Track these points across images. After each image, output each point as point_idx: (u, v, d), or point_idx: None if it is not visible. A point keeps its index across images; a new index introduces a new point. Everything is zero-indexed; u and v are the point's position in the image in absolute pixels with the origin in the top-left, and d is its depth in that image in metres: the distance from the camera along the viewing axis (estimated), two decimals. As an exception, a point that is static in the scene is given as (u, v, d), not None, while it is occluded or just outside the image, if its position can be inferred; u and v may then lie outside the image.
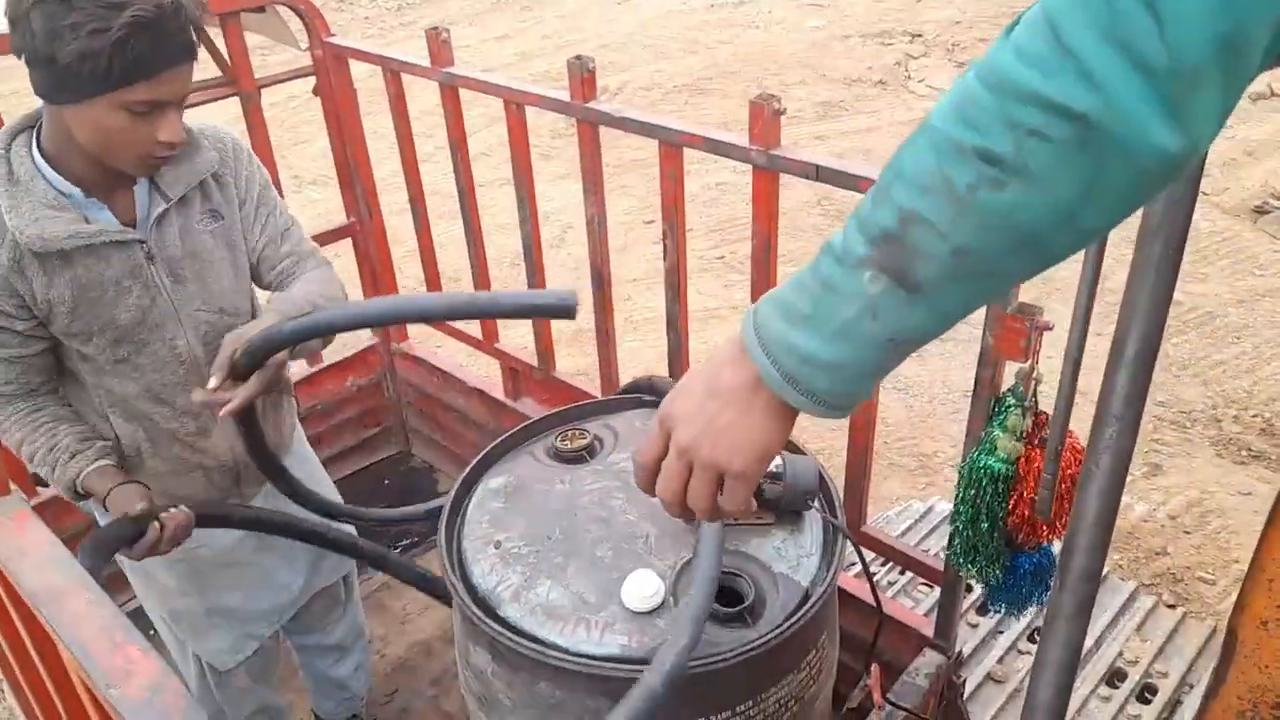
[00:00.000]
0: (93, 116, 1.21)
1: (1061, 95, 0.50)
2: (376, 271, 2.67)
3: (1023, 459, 1.39)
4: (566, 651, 1.18)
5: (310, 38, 2.33)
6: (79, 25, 1.13)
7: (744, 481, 0.70)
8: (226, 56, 2.21)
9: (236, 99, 2.26)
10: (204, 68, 2.53)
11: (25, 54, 1.18)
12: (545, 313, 1.35)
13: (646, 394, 1.64)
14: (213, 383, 1.28)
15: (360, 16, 9.10)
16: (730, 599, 1.23)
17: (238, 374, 1.29)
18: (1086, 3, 0.49)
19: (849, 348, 0.61)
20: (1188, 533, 2.94)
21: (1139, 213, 0.62)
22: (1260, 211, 4.61)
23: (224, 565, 1.69)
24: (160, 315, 1.42)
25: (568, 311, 1.23)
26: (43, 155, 1.30)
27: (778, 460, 1.34)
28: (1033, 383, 1.38)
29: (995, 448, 1.41)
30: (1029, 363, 1.37)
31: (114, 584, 2.34)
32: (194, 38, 1.24)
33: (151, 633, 1.92)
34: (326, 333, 1.31)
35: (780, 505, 1.35)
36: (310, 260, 1.56)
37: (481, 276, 2.38)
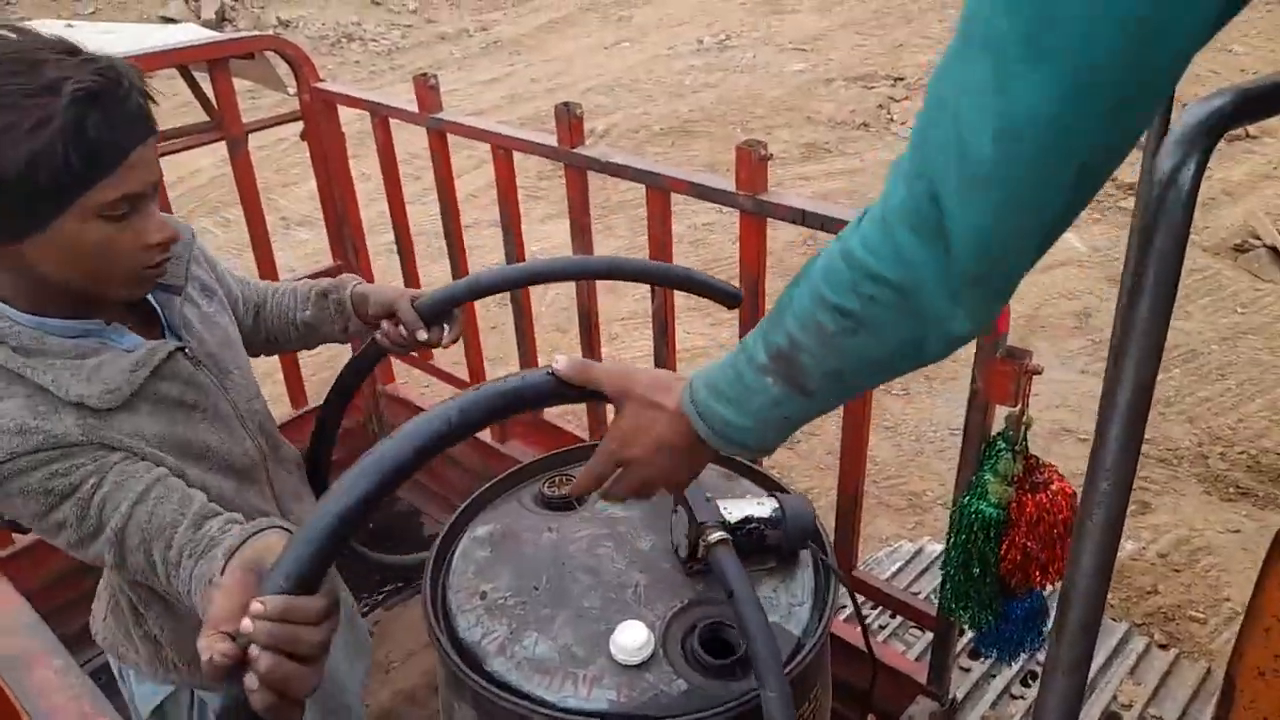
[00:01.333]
0: (63, 241, 0.97)
1: (886, 270, 0.67)
2: (363, 314, 2.66)
3: (1014, 504, 1.38)
4: (554, 707, 1.15)
5: (299, 83, 2.34)
6: (14, 125, 0.89)
7: (678, 487, 1.09)
8: (214, 101, 2.22)
9: (224, 144, 2.27)
10: (191, 112, 2.55)
11: None
12: (711, 292, 1.48)
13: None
14: (422, 334, 1.33)
15: (350, 60, 9.19)
16: (720, 650, 1.21)
17: (427, 320, 1.34)
18: (910, 210, 0.65)
19: (760, 423, 0.84)
20: (1177, 571, 2.93)
21: (1122, 259, 0.68)
22: (1240, 250, 4.67)
23: None
24: (225, 423, 1.22)
25: (732, 298, 1.47)
26: (19, 310, 1.03)
27: (774, 504, 1.33)
28: (1022, 426, 1.38)
29: (986, 492, 1.40)
30: (1018, 406, 1.37)
31: (73, 645, 2.29)
32: (149, 108, 1.02)
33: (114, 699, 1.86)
34: (487, 292, 1.39)
35: (782, 549, 1.33)
36: (265, 284, 1.47)
37: (469, 317, 2.38)
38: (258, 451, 1.30)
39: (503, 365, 2.70)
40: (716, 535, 1.19)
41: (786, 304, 0.78)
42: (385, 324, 1.36)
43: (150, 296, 1.19)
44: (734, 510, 1.30)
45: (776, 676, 1.02)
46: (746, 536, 1.28)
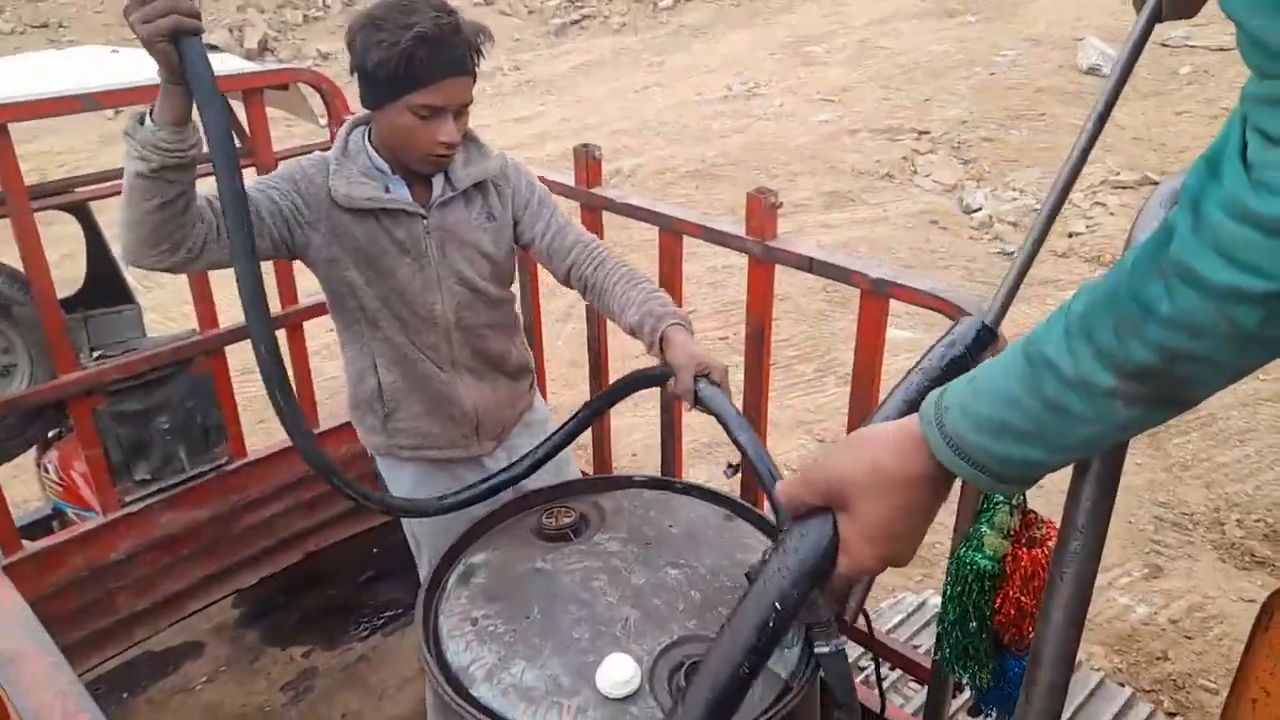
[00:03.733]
0: (390, 119, 1.50)
1: None
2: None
3: (1009, 557, 1.37)
4: (537, 736, 1.16)
5: (330, 114, 2.41)
6: (380, 41, 1.41)
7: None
8: (247, 129, 2.29)
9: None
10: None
11: (353, 69, 1.49)
12: (649, 383, 1.59)
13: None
14: (687, 406, 1.52)
15: (386, 93, 9.41)
16: (707, 689, 1.20)
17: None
18: None
19: (1077, 453, 0.65)
20: (1189, 638, 2.87)
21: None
22: (1262, 316, 4.63)
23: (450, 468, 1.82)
24: (426, 280, 1.63)
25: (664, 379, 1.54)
26: (371, 144, 1.59)
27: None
28: (1020, 480, 1.38)
29: (983, 545, 1.40)
30: (1016, 459, 1.37)
31: (82, 651, 2.32)
32: (470, 56, 1.48)
33: (113, 708, 1.88)
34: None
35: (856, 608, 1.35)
36: (599, 250, 1.69)
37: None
38: (442, 313, 1.66)
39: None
40: (840, 641, 1.20)
41: (1140, 316, 0.58)
42: (671, 382, 1.53)
43: (438, 179, 1.62)
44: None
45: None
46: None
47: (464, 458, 1.82)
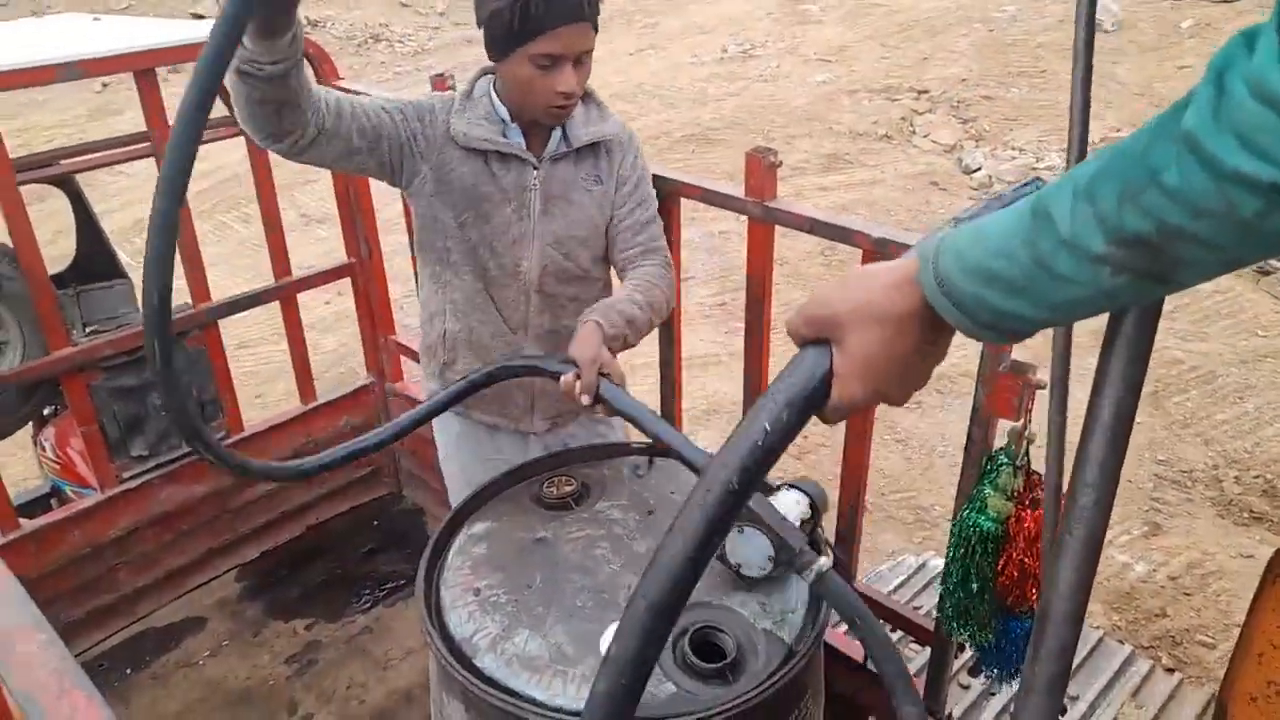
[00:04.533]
0: (511, 70, 1.52)
1: None
2: (374, 309, 2.68)
3: (1013, 519, 1.37)
4: (543, 705, 1.15)
5: (319, 80, 2.36)
6: None
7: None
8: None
9: (243, 138, 2.29)
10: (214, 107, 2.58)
11: (478, 22, 1.51)
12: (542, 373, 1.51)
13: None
14: (585, 402, 1.45)
15: (376, 61, 9.29)
16: (711, 654, 1.20)
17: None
18: None
19: (1063, 315, 0.65)
20: (1188, 594, 2.89)
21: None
22: (1262, 273, 4.62)
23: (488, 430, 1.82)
24: (520, 233, 1.63)
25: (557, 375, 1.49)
26: (496, 92, 1.61)
27: (802, 496, 1.37)
28: (1024, 441, 1.37)
29: (986, 506, 1.39)
30: (1021, 421, 1.36)
31: (84, 628, 2.32)
32: (585, 2, 1.46)
33: (116, 684, 1.88)
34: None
35: (819, 545, 1.36)
36: (655, 257, 1.69)
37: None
38: (528, 270, 1.65)
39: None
40: (823, 563, 1.17)
41: (1145, 181, 0.56)
42: (570, 376, 1.46)
43: (555, 134, 1.62)
44: (791, 516, 1.32)
45: (909, 694, 1.04)
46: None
47: (511, 430, 1.80)
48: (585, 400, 1.43)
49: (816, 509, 1.38)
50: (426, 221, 1.65)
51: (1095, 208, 0.58)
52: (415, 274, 1.75)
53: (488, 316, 1.68)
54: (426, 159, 1.59)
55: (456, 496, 1.88)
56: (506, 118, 1.60)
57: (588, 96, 1.65)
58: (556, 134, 1.63)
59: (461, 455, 1.89)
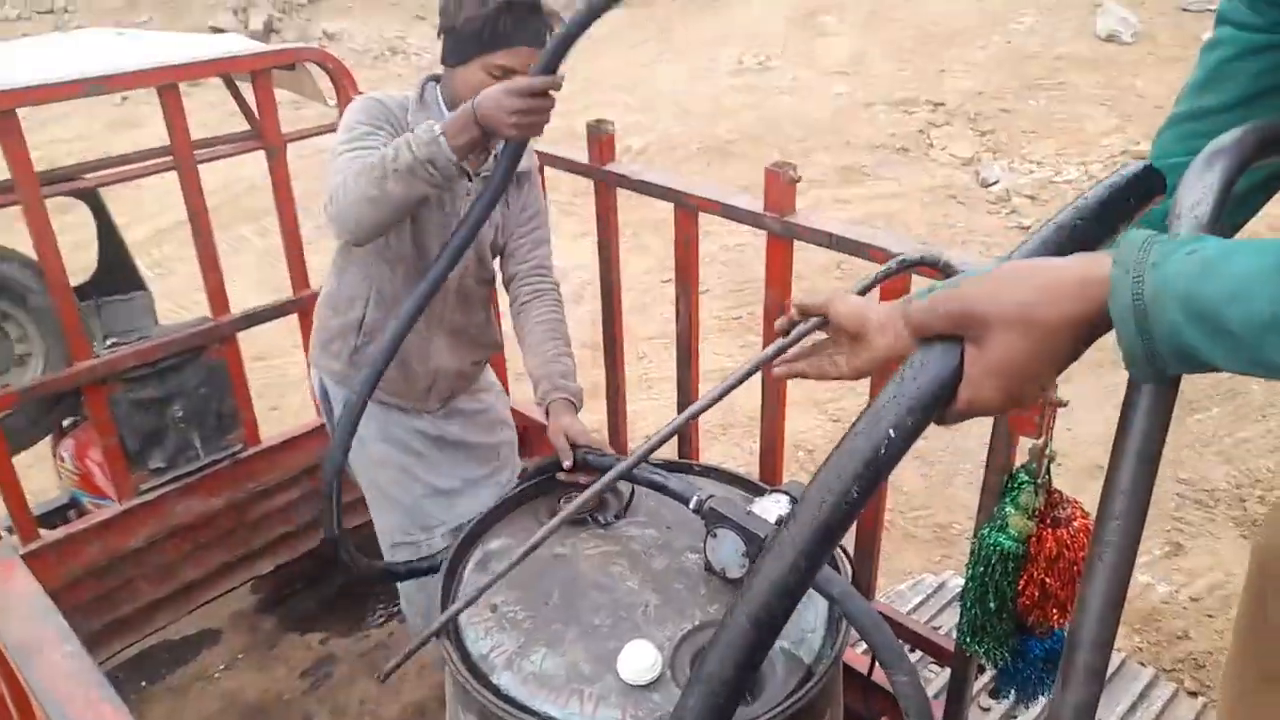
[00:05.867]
0: (465, 75, 1.61)
1: None
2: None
3: (1034, 538, 1.35)
4: (558, 724, 1.14)
5: (338, 95, 2.38)
6: (475, 2, 1.56)
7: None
8: (255, 111, 2.26)
9: (263, 153, 2.31)
10: (233, 121, 2.60)
11: (441, 28, 1.63)
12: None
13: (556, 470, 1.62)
14: (566, 464, 1.57)
15: (393, 74, 9.36)
16: (729, 675, 1.19)
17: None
18: None
19: (1261, 373, 0.59)
20: (1210, 616, 2.84)
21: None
22: (1285, 288, 4.57)
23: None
24: (445, 235, 1.70)
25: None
26: (443, 100, 1.71)
27: (783, 505, 1.35)
28: (1045, 460, 1.35)
29: (1007, 525, 1.37)
30: (1042, 439, 1.34)
31: (101, 640, 2.33)
32: (546, 35, 1.60)
33: (133, 696, 1.89)
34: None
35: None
36: (547, 285, 1.84)
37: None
38: (450, 277, 1.67)
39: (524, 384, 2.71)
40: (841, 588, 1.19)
41: None
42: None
43: (490, 158, 1.73)
44: (769, 515, 1.31)
45: (900, 658, 1.06)
46: None
47: (410, 409, 1.92)
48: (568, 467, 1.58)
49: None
50: None
51: None
52: (334, 260, 1.82)
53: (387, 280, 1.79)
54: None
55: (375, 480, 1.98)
56: None
57: None
58: (491, 158, 1.74)
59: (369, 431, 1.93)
